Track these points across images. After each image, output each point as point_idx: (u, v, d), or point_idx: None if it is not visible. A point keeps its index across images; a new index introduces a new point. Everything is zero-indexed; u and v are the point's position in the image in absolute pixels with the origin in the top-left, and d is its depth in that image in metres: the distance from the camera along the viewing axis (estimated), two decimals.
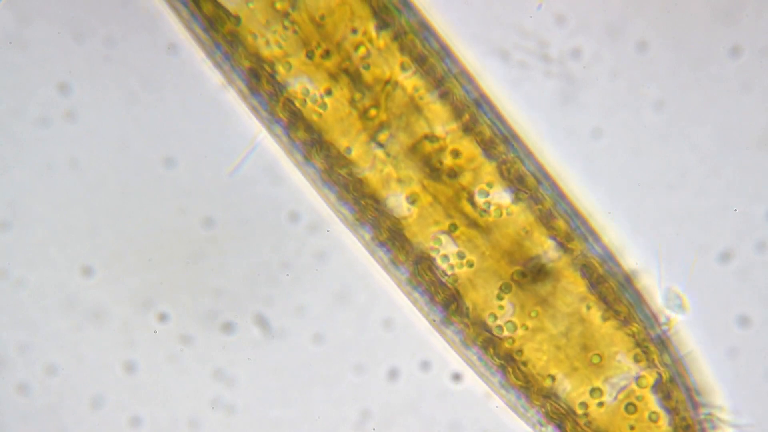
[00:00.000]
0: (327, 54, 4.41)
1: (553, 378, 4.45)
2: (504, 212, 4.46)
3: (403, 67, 4.41)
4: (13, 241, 4.67)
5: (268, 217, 4.64)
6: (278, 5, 4.40)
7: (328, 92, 4.44)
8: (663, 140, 4.63)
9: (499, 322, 4.46)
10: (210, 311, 4.66)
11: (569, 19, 4.61)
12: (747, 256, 4.61)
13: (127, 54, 4.63)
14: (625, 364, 4.45)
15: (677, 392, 4.47)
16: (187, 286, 4.66)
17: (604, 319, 4.44)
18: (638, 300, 4.52)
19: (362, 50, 4.43)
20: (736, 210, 4.61)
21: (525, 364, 4.46)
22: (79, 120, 4.65)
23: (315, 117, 4.46)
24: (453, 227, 4.46)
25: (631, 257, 4.57)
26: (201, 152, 4.64)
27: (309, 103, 4.45)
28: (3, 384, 4.68)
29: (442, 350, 4.60)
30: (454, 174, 4.44)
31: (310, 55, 4.40)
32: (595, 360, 4.44)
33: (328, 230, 4.61)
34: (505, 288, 4.44)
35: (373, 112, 4.42)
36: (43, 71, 4.63)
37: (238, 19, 4.42)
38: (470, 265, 4.47)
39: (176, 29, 4.57)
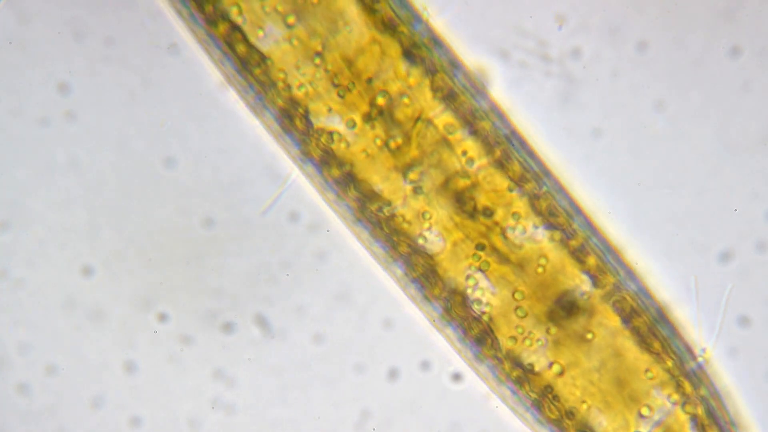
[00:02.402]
0: (357, 92, 4.42)
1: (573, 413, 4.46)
2: (536, 247, 4.45)
3: (448, 130, 4.42)
4: (13, 241, 4.67)
5: (268, 217, 4.65)
6: (310, 45, 4.41)
7: (360, 130, 4.44)
8: (663, 140, 4.63)
9: (532, 357, 4.46)
10: (210, 311, 4.66)
11: (569, 19, 4.61)
12: (747, 256, 4.61)
13: (127, 54, 4.63)
14: (659, 399, 4.44)
15: (714, 427, 4.47)
16: (187, 286, 4.66)
17: (648, 376, 4.43)
18: (673, 333, 4.51)
19: (393, 88, 4.43)
20: (736, 210, 4.61)
21: (557, 398, 4.45)
22: (79, 120, 4.65)
23: (347, 155, 4.46)
24: (485, 263, 4.45)
25: (664, 289, 4.57)
26: (201, 152, 4.64)
27: (340, 142, 4.45)
28: (3, 384, 4.68)
29: (442, 350, 4.60)
30: (486, 210, 4.44)
31: (341, 95, 4.40)
32: (645, 412, 4.43)
33: (328, 230, 4.61)
34: (519, 311, 4.45)
35: (404, 149, 4.42)
36: (43, 71, 4.63)
37: (269, 59, 4.42)
38: (502, 300, 4.47)
39: (176, 29, 4.58)
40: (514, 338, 4.45)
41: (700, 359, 4.50)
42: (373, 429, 4.66)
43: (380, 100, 4.43)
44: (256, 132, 4.58)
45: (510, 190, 4.44)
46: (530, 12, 4.61)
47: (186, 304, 4.66)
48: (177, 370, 4.68)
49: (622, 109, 4.63)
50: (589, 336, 4.43)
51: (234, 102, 4.58)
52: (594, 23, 4.62)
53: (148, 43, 4.50)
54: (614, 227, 4.59)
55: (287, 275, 4.65)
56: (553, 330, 4.43)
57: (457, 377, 4.62)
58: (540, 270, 4.43)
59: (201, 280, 4.66)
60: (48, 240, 4.66)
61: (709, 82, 4.62)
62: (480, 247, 4.44)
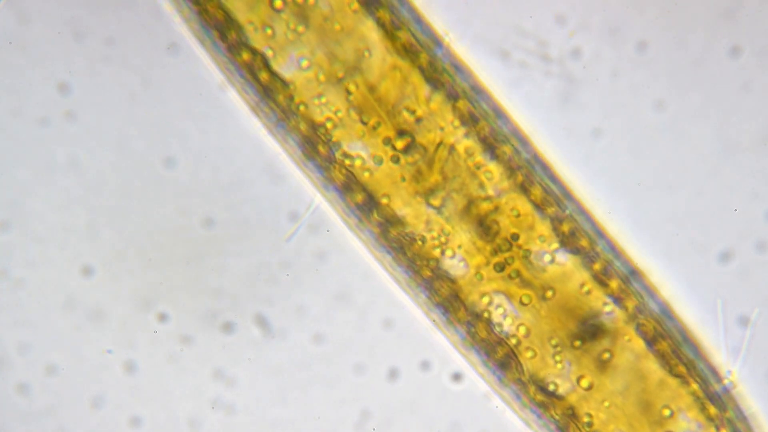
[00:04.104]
0: (379, 118, 4.43)
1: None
2: (559, 270, 4.45)
3: (470, 155, 4.42)
4: (13, 241, 4.67)
5: (268, 217, 4.65)
6: (333, 71, 4.42)
7: (382, 156, 4.44)
8: (663, 140, 4.63)
9: (556, 380, 4.45)
10: (210, 311, 4.66)
11: (569, 19, 4.61)
12: (747, 256, 4.61)
13: (127, 54, 4.63)
14: (685, 422, 4.42)
15: None
16: (187, 286, 4.66)
17: (665, 414, 4.42)
18: (697, 355, 4.51)
19: (415, 114, 4.43)
20: (736, 210, 4.61)
21: (590, 425, 4.44)
22: (79, 120, 4.65)
23: (369, 181, 4.46)
24: (507, 287, 4.44)
25: (687, 309, 4.57)
26: (201, 152, 4.64)
27: (363, 167, 4.45)
28: (3, 384, 4.68)
29: (442, 350, 4.60)
30: (508, 234, 4.44)
31: (364, 121, 4.41)
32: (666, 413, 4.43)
33: (328, 230, 4.61)
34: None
35: (426, 174, 4.42)
36: (43, 71, 4.63)
37: (292, 85, 4.43)
38: (525, 324, 4.46)
39: (176, 29, 4.58)
40: (532, 351, 4.45)
41: (726, 382, 4.49)
42: (373, 429, 4.66)
43: (403, 126, 4.43)
44: (256, 132, 4.58)
45: (516, 214, 4.43)
46: (530, 12, 4.61)
47: (186, 304, 4.67)
48: (177, 370, 4.68)
49: (622, 109, 4.63)
50: (606, 355, 4.42)
51: (234, 102, 4.58)
52: (594, 23, 4.62)
53: (168, 47, 4.50)
54: (639, 251, 4.58)
55: (287, 275, 4.65)
56: (578, 348, 4.43)
57: (457, 377, 4.62)
58: (549, 294, 4.43)
59: (201, 280, 4.66)
60: (48, 240, 4.66)
61: (709, 82, 4.62)
62: (507, 287, 4.44)
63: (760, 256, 4.61)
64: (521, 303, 4.43)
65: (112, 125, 4.65)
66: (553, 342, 4.44)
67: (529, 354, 4.45)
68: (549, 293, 4.43)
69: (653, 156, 4.63)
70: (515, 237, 4.44)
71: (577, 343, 4.43)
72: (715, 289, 4.60)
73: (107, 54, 4.62)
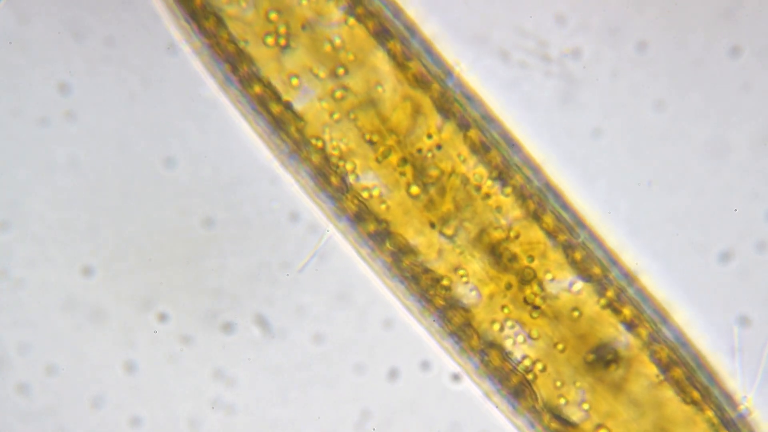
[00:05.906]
0: (391, 149, 4.43)
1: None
2: (572, 298, 4.44)
3: (482, 183, 4.42)
4: (13, 241, 4.67)
5: (268, 217, 4.65)
6: (345, 104, 4.43)
7: (394, 185, 4.44)
8: (663, 140, 4.63)
9: (571, 408, 4.44)
10: (210, 311, 4.66)
11: (569, 19, 4.61)
12: (747, 256, 4.61)
13: (127, 54, 4.63)
14: None
15: None
16: (187, 286, 4.66)
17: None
18: (712, 381, 4.50)
19: (426, 143, 4.44)
20: (736, 210, 4.62)
21: None
22: (79, 120, 4.65)
23: (382, 211, 4.46)
24: (520, 315, 4.44)
25: (702, 338, 4.57)
26: (201, 152, 4.64)
27: (375, 197, 4.45)
28: (3, 384, 4.68)
29: (441, 350, 4.60)
30: (519, 261, 4.44)
31: (375, 150, 4.42)
32: None
33: (327, 230, 4.61)
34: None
35: (438, 203, 4.42)
36: (43, 71, 4.63)
37: (304, 117, 4.44)
38: (538, 352, 4.46)
39: (176, 30, 4.58)
40: (545, 369, 4.45)
41: (742, 408, 4.49)
42: (373, 429, 4.66)
43: (414, 156, 4.44)
44: (257, 132, 4.59)
45: (528, 242, 4.44)
46: (530, 12, 4.61)
47: (186, 304, 4.67)
48: (177, 370, 4.68)
49: (622, 109, 4.63)
50: (618, 377, 4.42)
51: (234, 102, 4.58)
52: (594, 23, 4.62)
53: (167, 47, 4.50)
54: (683, 308, 4.58)
55: (287, 275, 4.65)
56: (590, 380, 4.43)
57: (457, 377, 4.62)
58: (576, 314, 4.43)
59: (201, 280, 4.66)
60: (48, 240, 4.66)
61: (709, 82, 4.62)
62: (520, 315, 4.44)
63: (760, 256, 4.61)
64: (534, 332, 4.43)
65: (112, 125, 4.65)
66: (564, 359, 4.43)
67: (542, 370, 4.44)
68: (562, 317, 4.43)
69: (653, 156, 4.63)
70: (527, 265, 4.44)
71: (591, 357, 4.42)
72: (715, 289, 4.60)
73: (107, 54, 4.63)
